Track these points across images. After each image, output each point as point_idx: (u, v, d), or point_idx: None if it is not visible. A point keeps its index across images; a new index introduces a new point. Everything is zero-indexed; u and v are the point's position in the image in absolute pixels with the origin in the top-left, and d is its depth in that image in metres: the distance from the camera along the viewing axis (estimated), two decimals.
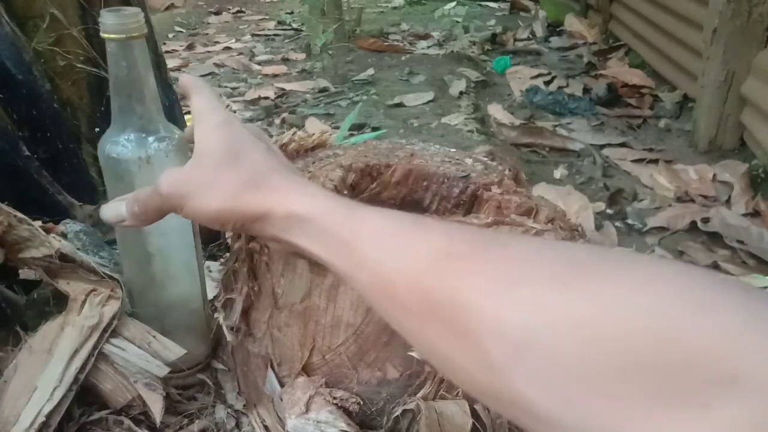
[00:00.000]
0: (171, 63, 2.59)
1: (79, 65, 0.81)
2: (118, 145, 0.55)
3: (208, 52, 3.04)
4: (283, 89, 2.41)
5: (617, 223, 1.47)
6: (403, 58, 2.86)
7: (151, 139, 0.56)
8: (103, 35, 0.52)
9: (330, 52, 2.62)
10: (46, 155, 0.77)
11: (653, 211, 1.54)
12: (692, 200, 1.59)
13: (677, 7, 2.34)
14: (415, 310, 0.31)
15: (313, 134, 0.71)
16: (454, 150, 0.71)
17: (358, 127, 1.96)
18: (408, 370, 0.52)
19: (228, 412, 0.63)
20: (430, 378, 0.52)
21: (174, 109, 1.02)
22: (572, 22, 3.36)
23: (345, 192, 0.64)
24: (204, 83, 0.48)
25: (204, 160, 0.43)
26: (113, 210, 0.48)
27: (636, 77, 2.50)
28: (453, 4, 3.87)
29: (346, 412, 0.53)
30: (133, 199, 0.47)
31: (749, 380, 0.20)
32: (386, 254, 0.34)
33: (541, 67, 2.72)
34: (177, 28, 3.55)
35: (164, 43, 3.11)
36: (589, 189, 1.66)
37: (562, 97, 2.33)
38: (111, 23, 0.51)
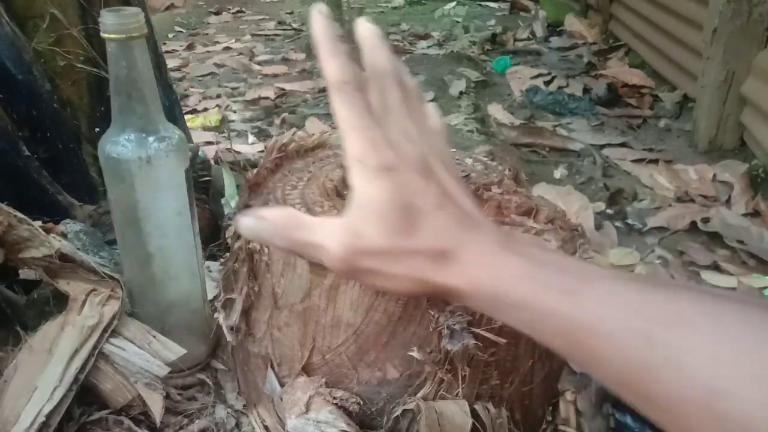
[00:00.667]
0: (171, 63, 2.59)
1: (79, 65, 0.81)
2: (119, 145, 0.55)
3: (208, 52, 3.04)
4: (283, 89, 2.41)
5: (617, 223, 1.47)
6: (403, 58, 2.86)
7: (151, 139, 0.56)
8: (104, 35, 0.52)
9: None
10: (46, 155, 0.77)
11: (653, 211, 1.54)
12: (692, 200, 1.59)
13: (677, 7, 2.33)
14: None
15: (313, 134, 0.71)
16: (454, 150, 0.71)
17: None
18: (408, 370, 0.52)
19: (228, 412, 0.63)
20: (429, 378, 0.52)
21: (174, 109, 1.02)
22: (572, 22, 3.36)
23: (345, 192, 0.64)
24: (352, 92, 0.36)
25: (372, 221, 0.34)
26: (252, 222, 0.39)
27: (636, 77, 2.50)
28: (453, 4, 3.87)
29: (346, 412, 0.53)
30: (282, 231, 0.38)
31: None
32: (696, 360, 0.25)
33: (541, 67, 2.72)
34: (177, 28, 3.55)
35: (164, 43, 3.11)
36: (589, 189, 1.66)
37: (562, 97, 2.33)
38: (111, 23, 0.51)
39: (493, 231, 0.35)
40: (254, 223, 0.39)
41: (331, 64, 0.36)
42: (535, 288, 0.31)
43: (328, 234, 0.36)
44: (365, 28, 0.40)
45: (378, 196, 0.34)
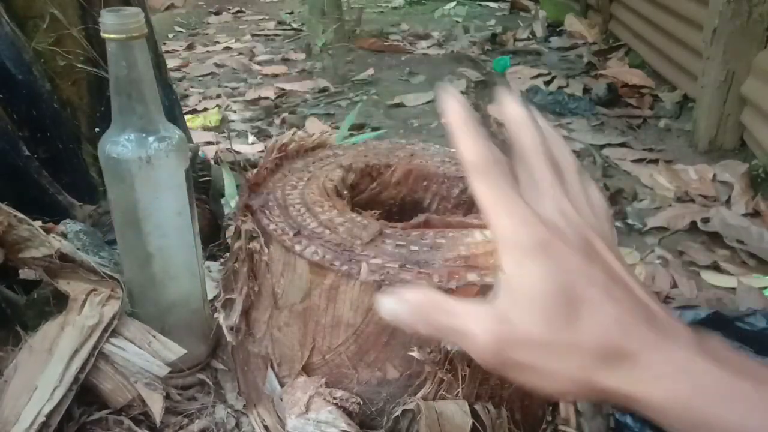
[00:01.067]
0: (171, 63, 2.59)
1: (79, 65, 0.81)
2: (119, 145, 0.55)
3: (208, 52, 3.04)
4: (283, 89, 2.41)
5: (617, 223, 1.47)
6: (403, 58, 2.86)
7: (151, 139, 0.56)
8: (104, 35, 0.52)
9: (330, 52, 2.62)
10: (46, 155, 0.77)
11: (653, 211, 1.54)
12: (692, 200, 1.59)
13: (677, 7, 2.33)
14: None
15: (313, 134, 0.71)
16: (454, 150, 0.70)
17: (358, 127, 1.96)
18: (408, 370, 0.52)
19: (228, 412, 0.63)
20: (430, 378, 0.52)
21: (174, 109, 1.02)
22: (572, 22, 3.36)
23: (345, 192, 0.64)
24: (496, 173, 0.32)
25: (526, 306, 0.30)
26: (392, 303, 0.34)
27: (636, 77, 2.50)
28: (453, 4, 3.87)
29: (346, 412, 0.53)
30: (425, 316, 0.33)
31: None
32: None
33: (541, 67, 2.72)
34: (177, 28, 3.55)
35: (164, 43, 3.11)
36: None
37: (562, 97, 2.33)
38: (111, 23, 0.51)
39: (684, 331, 0.30)
40: (395, 306, 0.34)
41: (471, 148, 0.33)
42: (753, 412, 0.27)
43: (475, 321, 0.31)
44: (512, 109, 0.36)
45: (532, 278, 0.30)
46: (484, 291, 0.48)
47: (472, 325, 0.31)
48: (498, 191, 0.32)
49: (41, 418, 0.53)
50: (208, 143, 1.75)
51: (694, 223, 1.45)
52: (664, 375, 0.28)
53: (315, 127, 1.97)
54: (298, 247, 0.52)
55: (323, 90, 2.41)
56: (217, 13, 4.02)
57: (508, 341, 0.30)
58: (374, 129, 2.00)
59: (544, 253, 0.30)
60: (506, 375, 0.31)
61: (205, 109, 2.12)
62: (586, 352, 0.29)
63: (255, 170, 0.63)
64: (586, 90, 2.44)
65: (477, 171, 0.32)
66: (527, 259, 0.30)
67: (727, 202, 1.56)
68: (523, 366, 0.30)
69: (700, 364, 0.28)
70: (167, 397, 0.61)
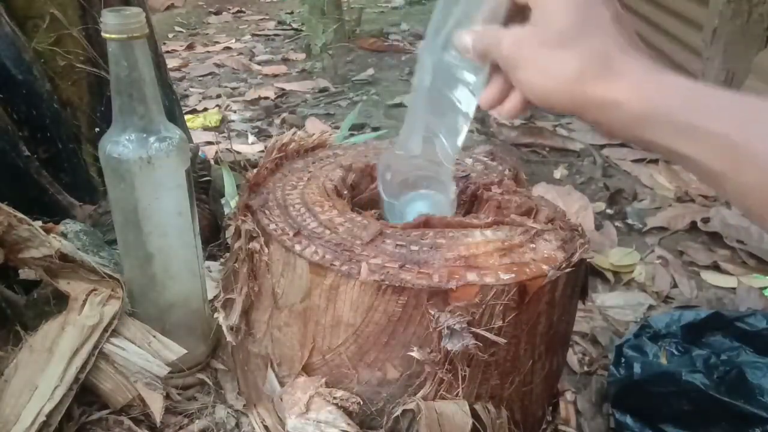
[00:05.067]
0: (171, 63, 2.59)
1: (79, 65, 0.81)
2: (119, 145, 0.55)
3: (208, 52, 3.04)
4: (283, 89, 2.40)
5: (617, 223, 1.47)
6: (403, 58, 2.86)
7: (152, 139, 0.56)
8: (105, 35, 0.52)
9: (330, 52, 2.62)
10: (46, 155, 0.77)
11: (653, 210, 1.54)
12: (692, 200, 1.59)
13: (677, 6, 2.33)
14: None
15: (313, 134, 0.71)
16: None
17: (358, 127, 1.96)
18: (408, 370, 0.52)
19: (228, 412, 0.63)
20: (429, 378, 0.52)
21: (174, 109, 1.02)
22: None
23: (345, 192, 0.64)
24: None
25: (547, 25, 0.38)
26: (463, 39, 0.45)
27: None
28: None
29: (346, 412, 0.53)
30: (480, 38, 0.43)
31: None
32: None
33: None
34: (177, 28, 3.54)
35: (164, 43, 3.10)
36: (589, 189, 1.66)
37: None
38: (112, 23, 0.51)
39: (647, 58, 0.37)
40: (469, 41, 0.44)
41: None
42: (688, 103, 0.33)
43: (507, 34, 0.41)
44: None
45: (559, 7, 0.38)
46: (484, 291, 0.48)
47: (506, 34, 0.41)
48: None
49: (41, 418, 0.53)
50: (208, 143, 1.75)
51: (694, 223, 1.45)
52: (630, 77, 0.36)
53: (315, 127, 1.97)
54: (298, 247, 0.52)
55: (323, 90, 2.40)
56: (217, 13, 4.02)
57: (519, 42, 0.39)
58: (374, 129, 1.99)
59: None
60: (513, 72, 0.39)
61: (205, 109, 2.12)
62: (580, 63, 0.36)
63: (255, 170, 0.63)
64: None
65: None
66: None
67: (727, 202, 1.56)
68: (523, 62, 0.39)
69: (667, 75, 0.36)
70: (167, 397, 0.61)
